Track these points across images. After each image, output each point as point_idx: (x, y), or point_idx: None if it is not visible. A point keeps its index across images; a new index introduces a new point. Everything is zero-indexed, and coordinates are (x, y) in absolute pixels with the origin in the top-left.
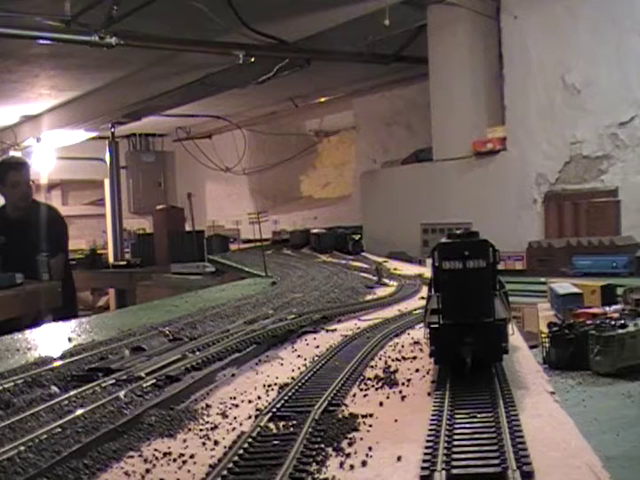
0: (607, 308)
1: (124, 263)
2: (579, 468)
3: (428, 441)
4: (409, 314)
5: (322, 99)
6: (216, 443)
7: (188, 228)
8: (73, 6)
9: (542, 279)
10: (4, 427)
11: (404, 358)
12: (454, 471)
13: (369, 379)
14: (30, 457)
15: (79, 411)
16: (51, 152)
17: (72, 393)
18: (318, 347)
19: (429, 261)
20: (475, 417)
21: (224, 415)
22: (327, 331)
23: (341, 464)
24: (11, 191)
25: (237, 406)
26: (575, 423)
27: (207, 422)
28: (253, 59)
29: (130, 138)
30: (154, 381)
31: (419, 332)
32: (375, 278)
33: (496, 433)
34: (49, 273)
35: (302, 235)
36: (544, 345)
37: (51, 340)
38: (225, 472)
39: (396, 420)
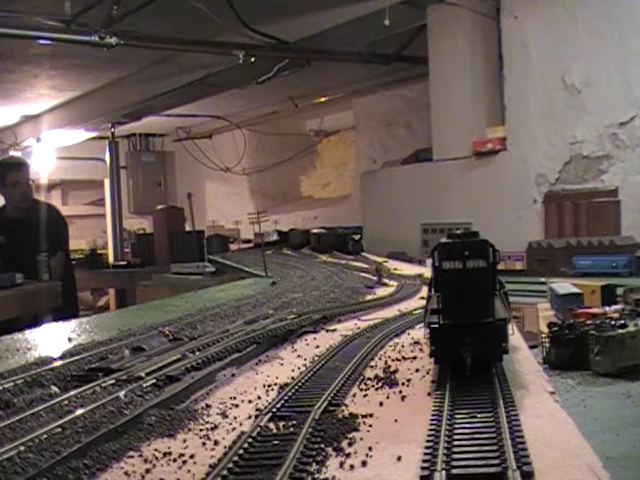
0: (607, 308)
1: (124, 263)
2: (579, 468)
3: (428, 441)
4: (409, 314)
5: (322, 99)
6: (216, 443)
7: (188, 228)
8: (73, 6)
9: (542, 279)
10: (4, 427)
11: (404, 358)
12: (454, 471)
13: (369, 379)
14: (30, 457)
15: (79, 411)
16: (51, 152)
17: (72, 393)
18: (318, 347)
19: (429, 261)
20: (475, 417)
21: (224, 415)
22: (327, 331)
23: (341, 464)
24: (12, 191)
25: (237, 406)
26: (575, 423)
27: (207, 422)
28: (253, 59)
29: (130, 138)
30: (154, 381)
31: (419, 332)
32: (375, 278)
33: (496, 433)
34: (49, 273)
35: (302, 235)
36: (544, 345)
37: (51, 340)
38: (225, 472)
39: (396, 420)
